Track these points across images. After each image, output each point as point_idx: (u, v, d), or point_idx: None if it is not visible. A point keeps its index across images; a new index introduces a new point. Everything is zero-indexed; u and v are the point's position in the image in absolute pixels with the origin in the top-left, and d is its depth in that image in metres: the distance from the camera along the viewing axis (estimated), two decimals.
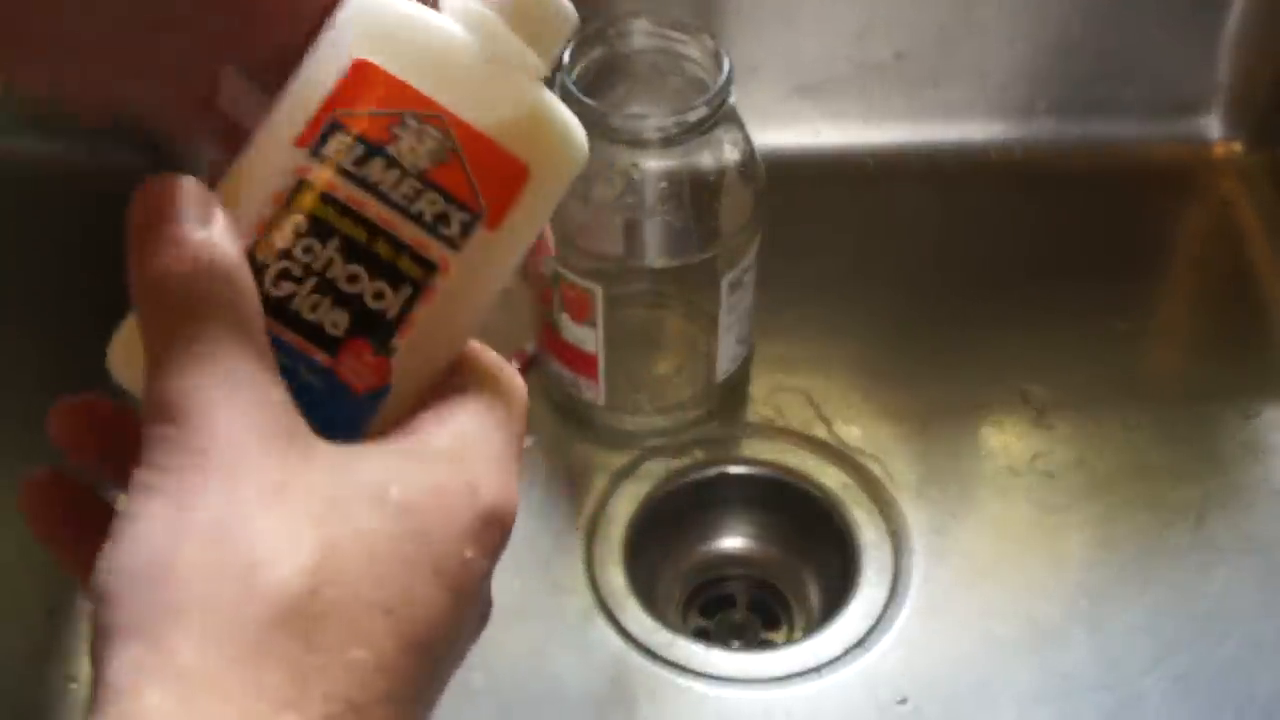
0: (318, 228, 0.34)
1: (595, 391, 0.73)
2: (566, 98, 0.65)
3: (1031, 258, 0.83)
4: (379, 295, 0.34)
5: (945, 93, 0.86)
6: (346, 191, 0.34)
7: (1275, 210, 0.85)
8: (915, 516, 0.73)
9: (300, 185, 0.34)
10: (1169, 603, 0.70)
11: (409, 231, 0.34)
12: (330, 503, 0.31)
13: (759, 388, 0.77)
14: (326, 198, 0.34)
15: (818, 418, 0.76)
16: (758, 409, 0.77)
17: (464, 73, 0.34)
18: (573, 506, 0.73)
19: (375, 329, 0.34)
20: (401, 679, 0.30)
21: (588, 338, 0.70)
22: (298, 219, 0.34)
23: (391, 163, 0.34)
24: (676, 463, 0.75)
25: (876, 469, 0.74)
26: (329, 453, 0.32)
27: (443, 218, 0.34)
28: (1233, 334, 0.80)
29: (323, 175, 0.34)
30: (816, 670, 0.68)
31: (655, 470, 0.75)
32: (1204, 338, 0.81)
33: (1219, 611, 0.69)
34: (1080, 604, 0.70)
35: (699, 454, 0.75)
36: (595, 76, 0.67)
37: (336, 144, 0.34)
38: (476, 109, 0.34)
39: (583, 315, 0.69)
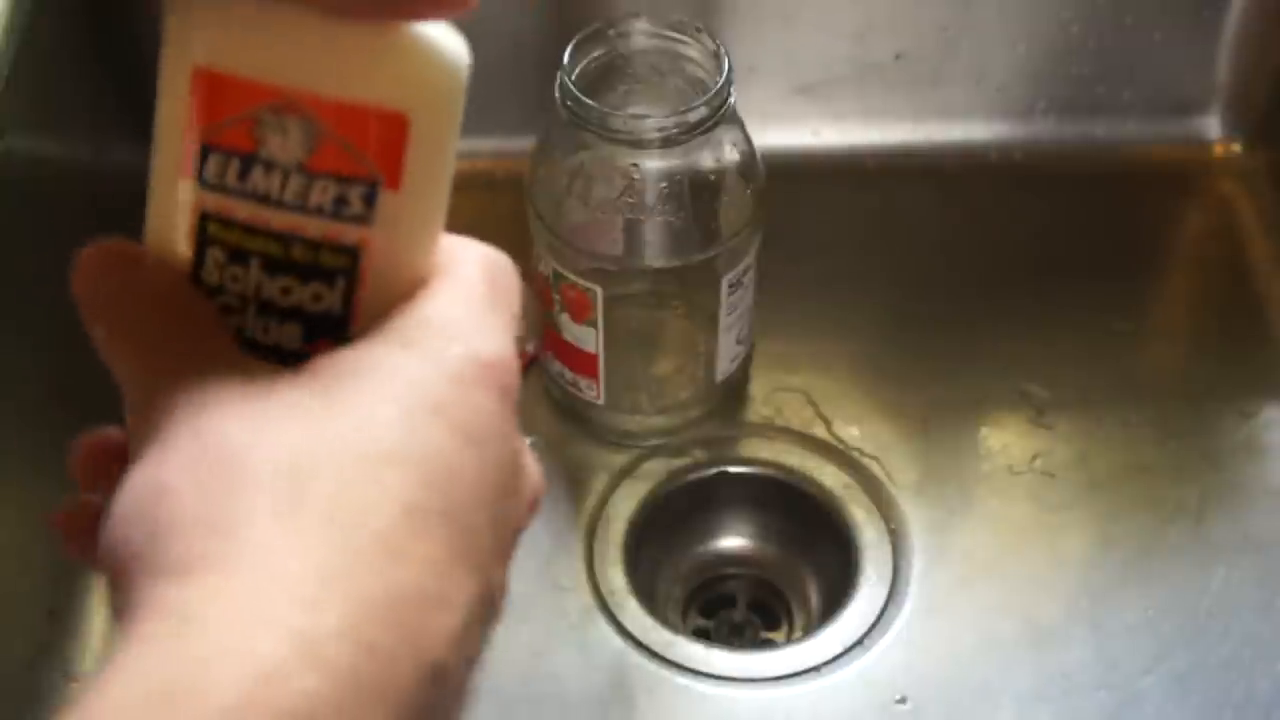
0: (233, 255, 0.33)
1: (595, 391, 0.73)
2: (566, 97, 0.65)
3: (1031, 258, 0.84)
4: (317, 297, 0.34)
5: (945, 93, 0.86)
6: (243, 210, 0.33)
7: (1275, 210, 0.85)
8: (915, 516, 0.73)
9: (202, 219, 0.34)
10: (1168, 602, 0.70)
11: (315, 227, 0.33)
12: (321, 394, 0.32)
13: (759, 387, 0.77)
14: (228, 223, 0.33)
15: (817, 417, 0.76)
16: (758, 409, 0.77)
17: (304, 45, 0.32)
18: (573, 506, 0.73)
19: (329, 327, 0.34)
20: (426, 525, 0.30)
21: (588, 338, 0.70)
22: (215, 252, 0.34)
23: (269, 166, 0.33)
24: (676, 463, 0.75)
25: (876, 468, 0.74)
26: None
27: (341, 200, 0.33)
28: (1232, 333, 0.81)
29: (215, 202, 0.33)
30: (816, 670, 0.68)
31: (655, 470, 0.75)
32: (1203, 337, 0.82)
33: (1218, 610, 0.69)
34: (1080, 603, 0.70)
35: (699, 454, 0.76)
36: (595, 76, 0.67)
37: (214, 166, 0.33)
38: (328, 78, 0.32)
39: (583, 315, 0.69)
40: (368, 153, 0.33)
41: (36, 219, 0.70)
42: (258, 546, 0.29)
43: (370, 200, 0.33)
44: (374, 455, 0.30)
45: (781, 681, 0.68)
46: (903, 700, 0.67)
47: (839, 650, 0.69)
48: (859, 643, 0.69)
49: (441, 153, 0.34)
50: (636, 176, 0.66)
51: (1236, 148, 0.88)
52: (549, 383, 0.75)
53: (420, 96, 0.33)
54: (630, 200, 0.66)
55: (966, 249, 0.84)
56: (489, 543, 0.32)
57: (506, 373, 0.33)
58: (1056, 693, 0.67)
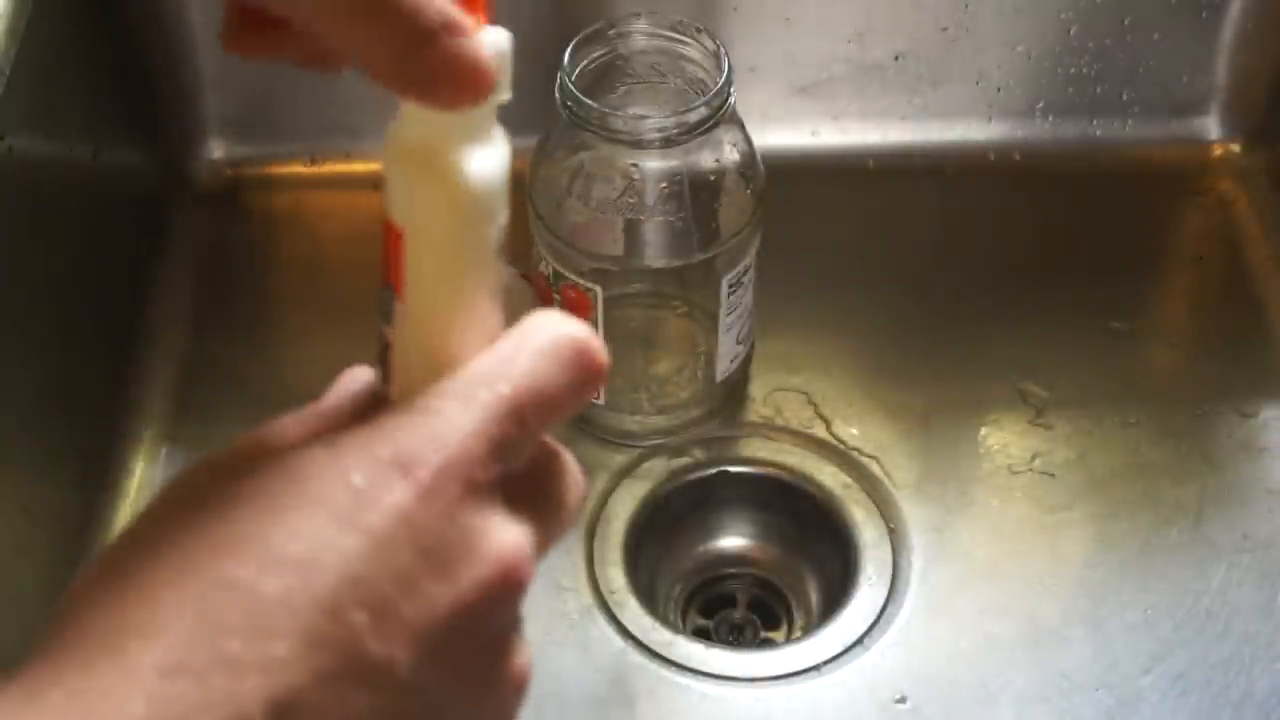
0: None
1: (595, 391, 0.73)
2: (566, 98, 0.65)
3: (1031, 258, 0.84)
4: (381, 384, 0.37)
5: (945, 93, 0.86)
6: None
7: (1274, 210, 0.85)
8: (914, 515, 0.73)
9: None
10: (1167, 601, 0.70)
11: (379, 325, 0.37)
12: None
13: (759, 387, 0.77)
14: None
15: (817, 417, 0.76)
16: (757, 408, 0.77)
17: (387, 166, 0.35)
18: None
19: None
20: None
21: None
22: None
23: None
24: (676, 462, 0.75)
25: (876, 468, 0.75)
26: None
27: (383, 301, 0.36)
28: (1231, 334, 0.81)
29: None
30: (816, 669, 0.68)
31: (655, 470, 0.75)
32: (1202, 337, 0.82)
33: (1217, 610, 0.69)
34: (1079, 603, 0.70)
35: (699, 454, 0.76)
36: (595, 76, 0.67)
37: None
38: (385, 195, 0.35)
39: (583, 316, 0.69)
40: (387, 262, 0.35)
41: (36, 219, 0.70)
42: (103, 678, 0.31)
43: (390, 306, 0.36)
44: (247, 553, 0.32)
45: (781, 681, 0.68)
46: (902, 700, 0.67)
47: (839, 650, 0.69)
48: (859, 642, 0.69)
49: (445, 268, 0.35)
50: (636, 176, 0.66)
51: (1236, 148, 0.88)
52: None
53: (420, 211, 0.35)
54: (630, 200, 0.66)
55: (966, 249, 0.84)
56: (367, 626, 0.32)
57: (426, 468, 0.33)
58: (1055, 692, 0.67)
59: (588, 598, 0.70)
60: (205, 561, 0.31)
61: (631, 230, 0.67)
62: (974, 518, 0.73)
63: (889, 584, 0.71)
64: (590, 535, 0.72)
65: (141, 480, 0.74)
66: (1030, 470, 0.74)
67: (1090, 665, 0.68)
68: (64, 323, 0.73)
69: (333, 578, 0.31)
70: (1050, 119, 0.87)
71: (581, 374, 0.36)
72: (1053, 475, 0.74)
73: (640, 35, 0.67)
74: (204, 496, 0.33)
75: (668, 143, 0.65)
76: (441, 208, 0.34)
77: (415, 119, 0.34)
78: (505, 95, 0.36)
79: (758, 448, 0.76)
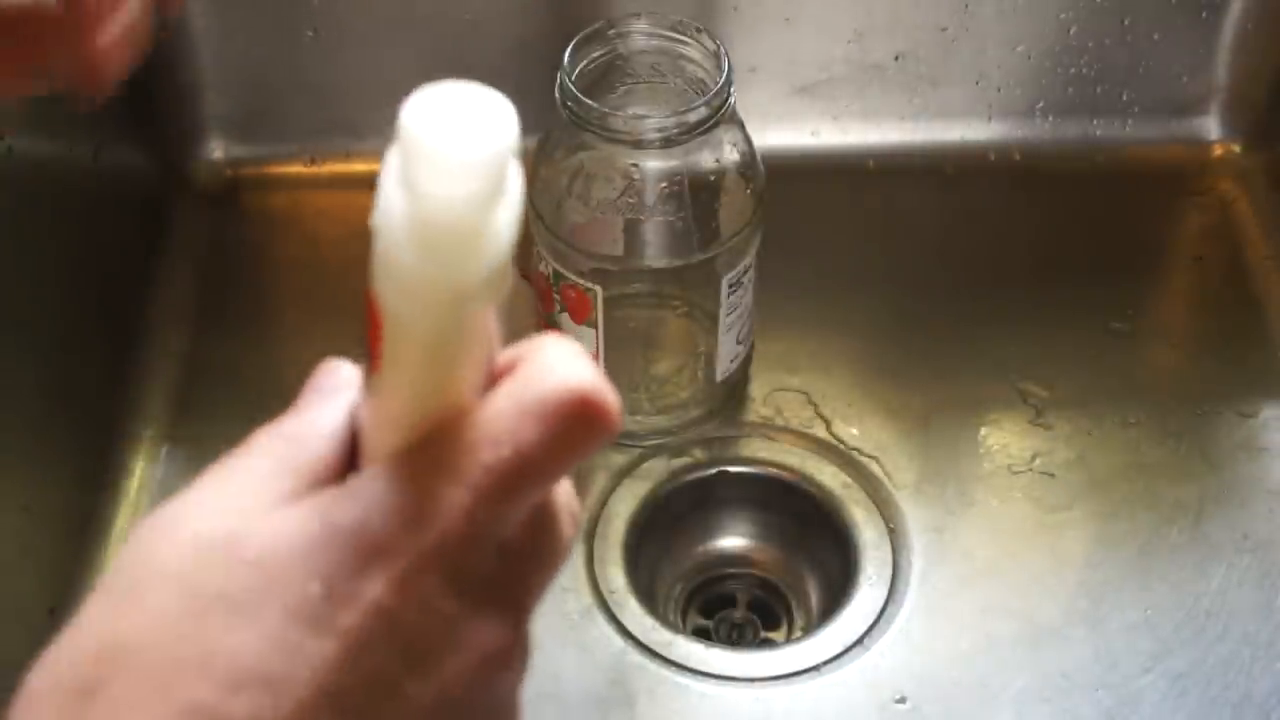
0: None
1: None
2: (566, 98, 0.65)
3: (1031, 258, 0.84)
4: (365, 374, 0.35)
5: (945, 93, 0.86)
6: None
7: (1274, 210, 0.85)
8: (914, 515, 0.73)
9: None
10: (1167, 601, 0.70)
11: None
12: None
13: (759, 387, 0.77)
14: None
15: (817, 417, 0.76)
16: (757, 408, 0.77)
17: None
18: None
19: None
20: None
21: (588, 338, 0.70)
22: None
23: None
24: (676, 462, 0.75)
25: (876, 468, 0.75)
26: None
27: (366, 371, 0.34)
28: (1231, 334, 0.81)
29: None
30: (816, 669, 0.68)
31: (655, 470, 0.75)
32: (1202, 337, 0.82)
33: (1217, 610, 0.69)
34: (1079, 603, 0.70)
35: (699, 454, 0.76)
36: (595, 76, 0.67)
37: None
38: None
39: (583, 316, 0.69)
40: (369, 336, 0.33)
41: (36, 219, 0.70)
42: None
43: (367, 375, 0.34)
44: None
45: (781, 681, 0.68)
46: (902, 700, 0.67)
47: (839, 650, 0.69)
48: (859, 642, 0.69)
49: (427, 358, 0.32)
50: (636, 176, 0.66)
51: (1236, 148, 0.88)
52: None
53: (401, 292, 0.31)
54: (630, 200, 0.66)
55: (966, 249, 0.84)
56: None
57: (403, 556, 0.31)
58: (1055, 692, 0.67)
59: (588, 598, 0.70)
60: (171, 683, 0.29)
61: (631, 230, 0.67)
62: (974, 518, 0.73)
63: (889, 584, 0.71)
64: (590, 535, 0.72)
65: (141, 480, 0.74)
66: (1030, 470, 0.74)
67: (1090, 665, 0.68)
68: (64, 323, 0.73)
69: (306, 691, 0.29)
70: (1050, 119, 0.87)
71: (586, 432, 0.32)
72: (1053, 475, 0.74)
73: (640, 35, 0.67)
74: (165, 603, 0.31)
75: (668, 143, 0.65)
76: (431, 298, 0.31)
77: (409, 185, 0.30)
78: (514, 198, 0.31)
79: (758, 448, 0.76)
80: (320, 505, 0.32)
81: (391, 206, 0.30)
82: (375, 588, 0.30)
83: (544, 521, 0.34)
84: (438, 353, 0.32)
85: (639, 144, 0.65)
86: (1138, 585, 0.70)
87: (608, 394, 0.32)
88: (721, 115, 0.65)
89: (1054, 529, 0.72)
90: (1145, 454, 0.75)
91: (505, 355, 0.34)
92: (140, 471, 0.75)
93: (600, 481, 0.74)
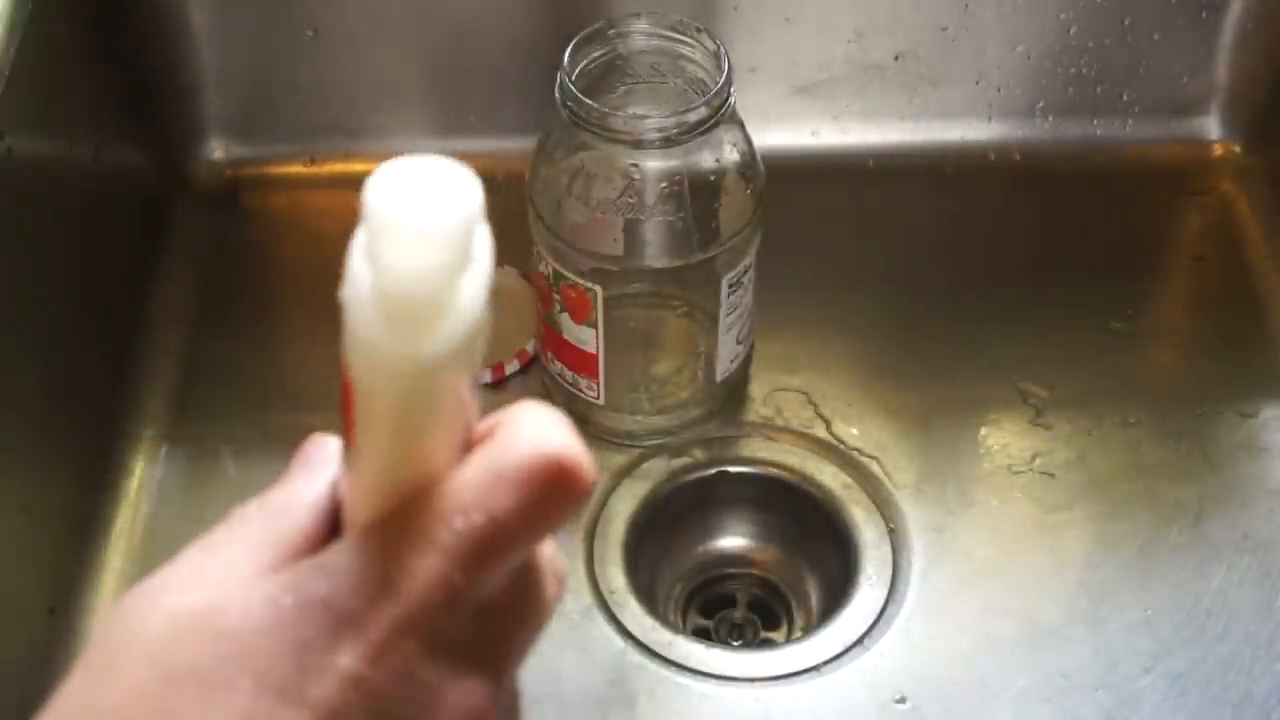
0: None
1: (595, 391, 0.73)
2: (566, 97, 0.65)
3: (1031, 258, 0.84)
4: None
5: (945, 93, 0.86)
6: None
7: (1274, 210, 0.85)
8: (914, 515, 0.73)
9: None
10: (1167, 602, 0.70)
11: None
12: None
13: (759, 387, 0.77)
14: None
15: (817, 417, 0.76)
16: (757, 409, 0.77)
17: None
18: None
19: None
20: None
21: (588, 338, 0.70)
22: None
23: None
24: (676, 462, 0.75)
25: (876, 468, 0.75)
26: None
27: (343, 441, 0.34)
28: (1231, 334, 0.81)
29: None
30: (816, 669, 0.68)
31: (655, 470, 0.75)
32: (1202, 337, 0.82)
33: (1217, 610, 0.69)
34: (1079, 603, 0.70)
35: (699, 454, 0.76)
36: (595, 76, 0.67)
37: None
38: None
39: (583, 315, 0.69)
40: (342, 404, 0.33)
41: (36, 219, 0.70)
42: None
43: (344, 445, 0.34)
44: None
45: (781, 681, 0.68)
46: (902, 700, 0.67)
47: (839, 650, 0.69)
48: (859, 642, 0.69)
49: (388, 424, 0.32)
50: (636, 176, 0.66)
51: (1236, 148, 0.88)
52: (549, 382, 0.75)
53: (368, 366, 0.32)
54: (630, 200, 0.66)
55: (966, 249, 0.84)
56: None
57: (377, 627, 0.31)
58: (1055, 692, 0.67)
59: (588, 598, 0.70)
60: None
61: (631, 230, 0.67)
62: (974, 518, 0.73)
63: (889, 584, 0.71)
64: (590, 535, 0.72)
65: (141, 480, 0.74)
66: (1030, 470, 0.74)
67: (1090, 665, 0.68)
68: (64, 323, 0.73)
69: None
70: (1050, 119, 0.87)
71: (561, 497, 0.32)
72: (1053, 475, 0.74)
73: (640, 35, 0.67)
74: (138, 677, 0.31)
75: (668, 142, 0.65)
76: (398, 373, 0.31)
77: (374, 253, 0.30)
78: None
79: (758, 448, 0.76)
80: (293, 577, 0.32)
81: (357, 279, 0.30)
82: (347, 659, 0.30)
83: (526, 581, 0.34)
84: (407, 422, 0.32)
85: (639, 144, 0.65)
86: (1138, 585, 0.70)
87: (582, 457, 0.32)
88: (721, 115, 0.65)
89: (1054, 529, 0.72)
90: (1145, 454, 0.75)
91: (485, 422, 0.34)
92: (140, 471, 0.75)
93: (600, 481, 0.74)
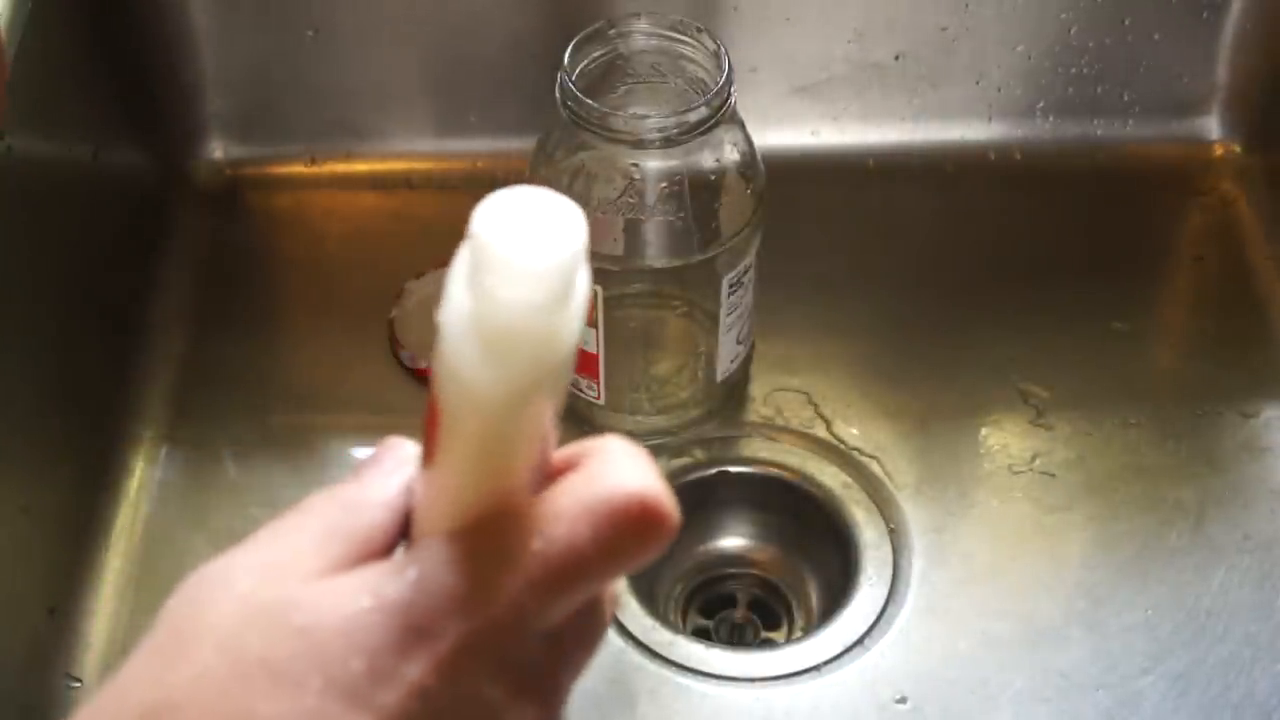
0: None
1: (596, 391, 0.73)
2: (566, 97, 0.65)
3: (1031, 258, 0.84)
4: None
5: (945, 93, 0.86)
6: None
7: (1274, 210, 0.85)
8: (915, 516, 0.73)
9: None
10: (1167, 602, 0.70)
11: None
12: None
13: (759, 387, 0.77)
14: None
15: (817, 417, 0.76)
16: (758, 409, 0.77)
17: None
18: None
19: None
20: None
21: (588, 338, 0.70)
22: None
23: None
24: (676, 462, 0.75)
25: (876, 468, 0.75)
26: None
27: (423, 454, 0.35)
28: (1231, 334, 0.81)
29: None
30: (816, 669, 0.68)
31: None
32: (1203, 338, 0.82)
33: (1217, 611, 0.69)
34: (1079, 603, 0.70)
35: (699, 454, 0.76)
36: (596, 76, 0.67)
37: None
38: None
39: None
40: (426, 421, 0.33)
41: (36, 219, 0.70)
42: None
43: (425, 459, 0.34)
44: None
45: (781, 681, 0.68)
46: (902, 700, 0.67)
47: (839, 650, 0.69)
48: (859, 642, 0.69)
49: (475, 449, 0.33)
50: (637, 176, 0.66)
51: (1236, 148, 0.88)
52: None
53: (457, 394, 0.32)
54: (630, 200, 0.66)
55: (966, 249, 0.84)
56: None
57: (446, 641, 0.31)
58: (1055, 692, 0.67)
59: None
60: None
61: (631, 230, 0.67)
62: (974, 518, 0.73)
63: (889, 584, 0.71)
64: None
65: (141, 480, 0.74)
66: (1030, 470, 0.74)
67: (1090, 665, 0.68)
68: (64, 323, 0.73)
69: None
70: (1050, 119, 0.87)
71: (642, 537, 0.33)
72: (1053, 476, 0.74)
73: (640, 35, 0.67)
74: (210, 664, 0.31)
75: (668, 142, 0.65)
76: (485, 401, 0.32)
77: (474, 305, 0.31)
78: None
79: (758, 448, 0.76)
80: (370, 579, 0.32)
81: (457, 307, 0.31)
82: (417, 668, 0.31)
83: (590, 611, 0.35)
84: (493, 448, 0.33)
85: (639, 144, 0.65)
86: (1138, 585, 0.70)
87: (667, 501, 0.33)
88: (722, 115, 0.65)
89: (1054, 529, 0.72)
90: (1146, 454, 0.75)
91: (567, 450, 0.35)
92: (140, 471, 0.75)
93: None
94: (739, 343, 0.73)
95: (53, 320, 0.71)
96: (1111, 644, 0.68)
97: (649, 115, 0.65)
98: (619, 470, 0.33)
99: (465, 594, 0.31)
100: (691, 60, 0.67)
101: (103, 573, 0.71)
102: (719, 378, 0.74)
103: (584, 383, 0.73)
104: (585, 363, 0.72)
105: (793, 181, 0.75)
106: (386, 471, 0.35)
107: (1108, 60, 0.85)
